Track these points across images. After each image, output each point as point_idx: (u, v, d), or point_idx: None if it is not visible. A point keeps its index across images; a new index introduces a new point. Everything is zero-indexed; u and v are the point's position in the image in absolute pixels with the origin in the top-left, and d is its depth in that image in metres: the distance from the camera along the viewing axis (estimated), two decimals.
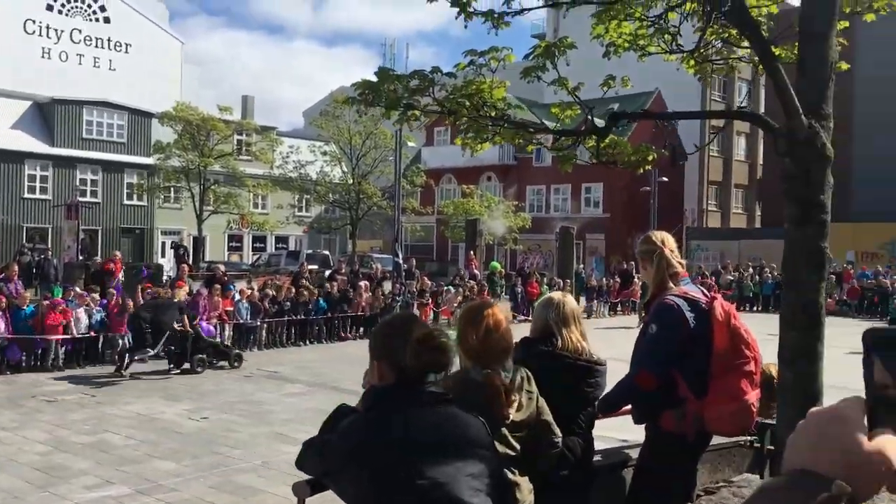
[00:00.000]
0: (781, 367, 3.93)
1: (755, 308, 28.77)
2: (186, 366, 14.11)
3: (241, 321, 16.93)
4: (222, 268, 19.94)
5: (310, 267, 25.30)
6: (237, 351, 15.31)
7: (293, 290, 18.70)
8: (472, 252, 28.72)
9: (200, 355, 14.24)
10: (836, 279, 29.76)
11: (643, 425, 3.98)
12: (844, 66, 4.41)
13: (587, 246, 40.80)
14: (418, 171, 38.23)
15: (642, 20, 4.81)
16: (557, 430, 3.33)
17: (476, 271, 26.47)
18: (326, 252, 37.51)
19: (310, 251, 37.39)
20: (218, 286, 16.22)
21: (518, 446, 3.16)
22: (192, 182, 35.25)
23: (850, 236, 35.13)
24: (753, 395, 3.73)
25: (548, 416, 3.31)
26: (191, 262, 28.65)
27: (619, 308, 27.84)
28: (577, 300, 26.42)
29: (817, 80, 3.72)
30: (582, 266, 32.44)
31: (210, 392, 12.43)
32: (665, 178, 36.43)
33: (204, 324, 15.00)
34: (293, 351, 17.23)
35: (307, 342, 18.45)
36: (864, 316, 27.00)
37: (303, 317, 18.52)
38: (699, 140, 28.68)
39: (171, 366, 14.17)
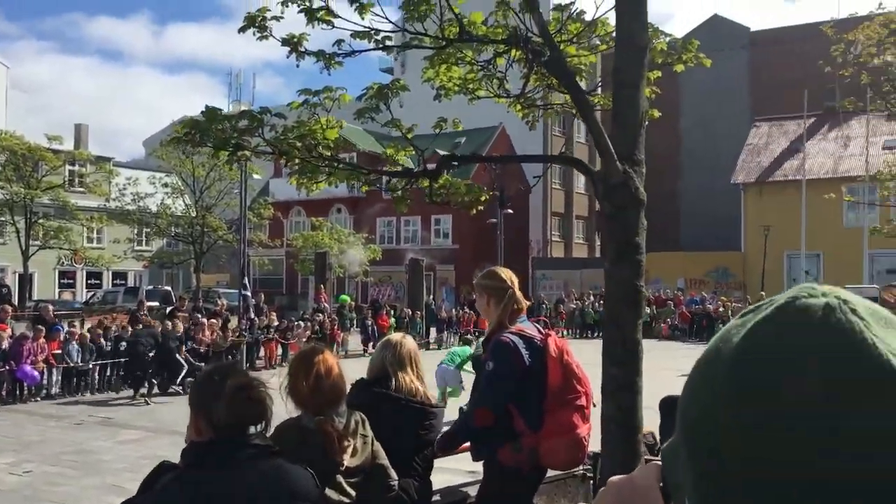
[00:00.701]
0: (604, 401, 4.11)
1: (596, 335, 30.03)
2: (173, 389, 15.76)
3: (72, 364, 15.82)
4: (51, 308, 18.59)
5: (149, 304, 24.07)
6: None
7: (130, 328, 17.69)
8: (321, 285, 28.40)
9: (189, 378, 15.55)
10: (672, 305, 31.68)
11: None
12: (656, 113, 4.73)
13: (437, 277, 41.29)
14: (265, 204, 37.48)
15: (472, 65, 4.96)
16: (393, 473, 3.32)
17: (326, 304, 26.17)
18: (168, 287, 35.95)
19: (150, 287, 35.69)
20: (41, 327, 15.11)
21: (353, 492, 3.12)
22: (16, 216, 32.82)
23: (680, 265, 37.69)
24: (585, 429, 3.89)
25: (383, 459, 3.29)
26: (15, 301, 26.62)
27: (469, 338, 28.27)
28: (428, 331, 26.76)
29: (630, 126, 3.95)
30: (432, 297, 32.77)
31: (35, 442, 11.51)
32: (511, 210, 37.53)
33: (27, 368, 13.91)
34: (129, 395, 16.23)
35: (145, 385, 17.45)
36: (694, 340, 28.81)
37: None
38: (543, 172, 29.84)
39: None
